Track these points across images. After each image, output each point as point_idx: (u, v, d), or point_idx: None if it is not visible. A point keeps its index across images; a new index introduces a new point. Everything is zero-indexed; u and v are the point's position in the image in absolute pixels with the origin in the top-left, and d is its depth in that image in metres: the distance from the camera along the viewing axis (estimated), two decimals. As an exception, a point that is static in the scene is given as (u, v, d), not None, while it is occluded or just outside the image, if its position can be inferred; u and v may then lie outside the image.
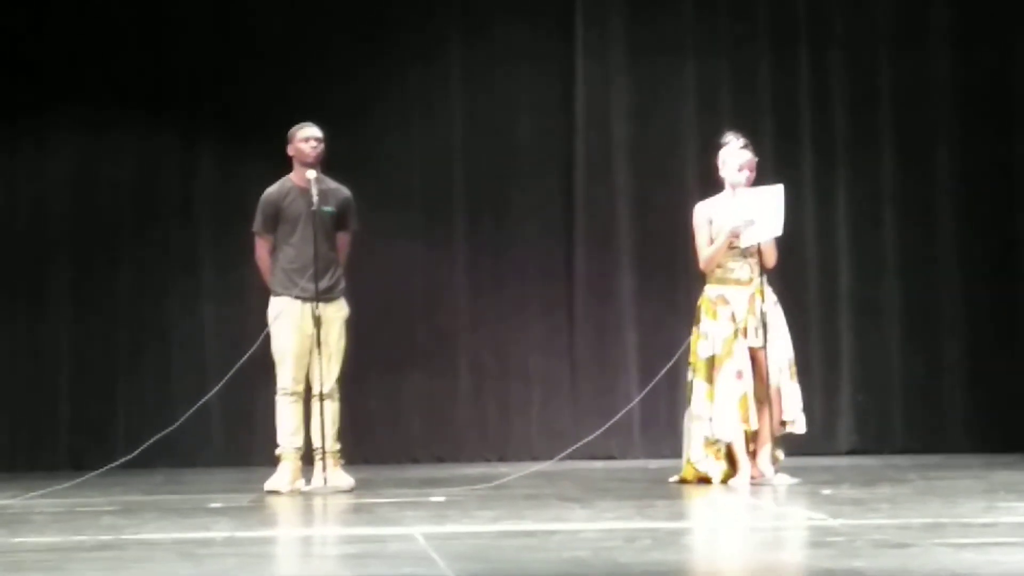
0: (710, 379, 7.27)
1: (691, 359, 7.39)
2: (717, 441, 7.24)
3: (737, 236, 7.26)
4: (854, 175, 10.10)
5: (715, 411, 7.23)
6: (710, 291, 7.38)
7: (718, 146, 7.52)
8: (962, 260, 10.02)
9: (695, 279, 9.26)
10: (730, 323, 7.27)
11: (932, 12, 10.14)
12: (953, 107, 10.10)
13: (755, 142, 7.51)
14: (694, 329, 7.39)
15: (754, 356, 7.28)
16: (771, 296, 7.38)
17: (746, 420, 7.20)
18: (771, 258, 7.37)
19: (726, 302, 7.30)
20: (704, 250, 7.37)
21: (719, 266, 7.35)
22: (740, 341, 7.25)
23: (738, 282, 7.32)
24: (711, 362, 7.28)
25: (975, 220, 10.03)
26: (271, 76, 9.84)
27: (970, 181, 10.05)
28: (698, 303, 7.42)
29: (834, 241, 10.07)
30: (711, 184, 7.75)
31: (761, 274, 7.33)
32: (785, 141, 9.93)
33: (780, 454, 7.40)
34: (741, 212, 7.25)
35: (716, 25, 10.14)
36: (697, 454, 7.30)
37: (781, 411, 7.28)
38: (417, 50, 10.05)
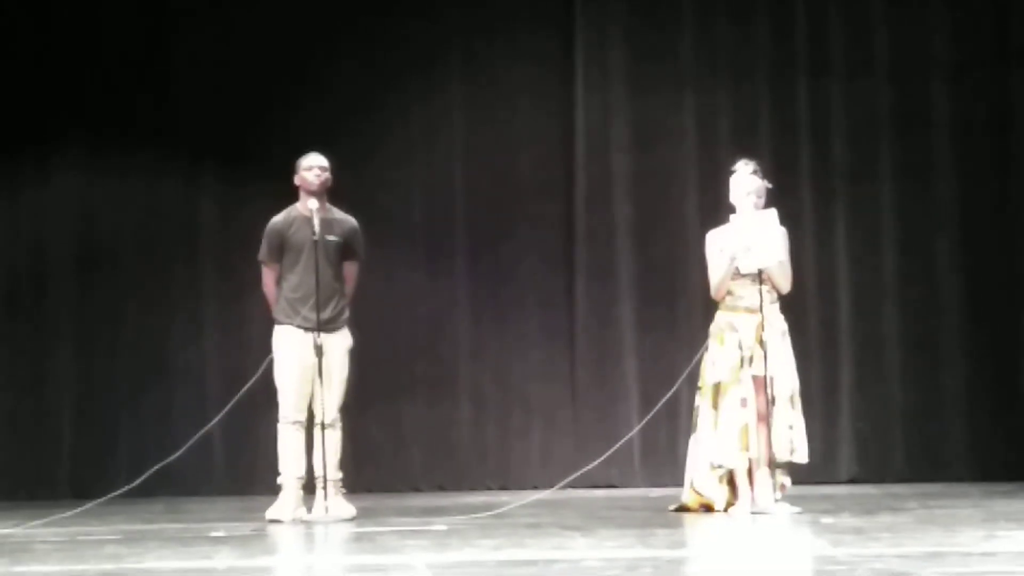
0: (715, 405, 7.28)
1: (700, 383, 7.41)
2: (720, 467, 7.25)
3: (734, 261, 7.27)
4: (853, 206, 10.13)
5: (718, 437, 7.25)
6: (720, 318, 7.37)
7: (726, 175, 7.52)
8: (961, 289, 10.05)
9: (694, 307, 9.30)
10: (737, 351, 7.27)
11: (931, 45, 10.19)
12: (952, 139, 10.13)
13: (753, 173, 7.52)
14: (705, 353, 7.40)
15: (754, 383, 7.29)
16: (781, 326, 7.34)
17: (746, 448, 7.21)
18: (783, 283, 7.36)
19: (734, 329, 7.30)
20: (714, 277, 7.38)
21: (730, 293, 7.35)
22: (746, 369, 7.26)
23: (748, 310, 7.30)
24: (717, 388, 7.29)
25: (974, 250, 10.06)
26: (274, 113, 9.89)
27: (969, 212, 10.08)
28: (710, 328, 7.42)
29: (834, 271, 10.10)
30: (709, 215, 7.77)
31: (772, 302, 7.32)
32: (784, 173, 9.93)
33: (787, 481, 7.39)
34: (739, 237, 7.27)
35: (715, 58, 10.20)
36: (700, 478, 7.31)
37: (769, 442, 7.27)
38: (420, 87, 10.11)
